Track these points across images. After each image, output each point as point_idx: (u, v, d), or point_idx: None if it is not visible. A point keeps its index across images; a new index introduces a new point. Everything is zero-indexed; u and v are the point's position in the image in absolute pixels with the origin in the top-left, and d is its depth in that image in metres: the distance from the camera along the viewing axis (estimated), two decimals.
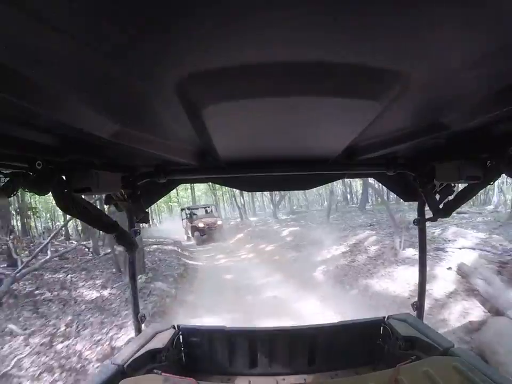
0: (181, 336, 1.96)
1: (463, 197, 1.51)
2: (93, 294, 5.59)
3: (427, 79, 0.68)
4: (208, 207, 19.10)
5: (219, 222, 15.92)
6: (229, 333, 1.97)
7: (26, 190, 0.94)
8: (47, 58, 0.51)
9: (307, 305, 5.10)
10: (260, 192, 29.35)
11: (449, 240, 6.51)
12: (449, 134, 1.01)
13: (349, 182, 23.28)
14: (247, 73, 0.62)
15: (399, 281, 5.24)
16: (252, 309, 5.01)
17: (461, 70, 0.63)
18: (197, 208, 18.58)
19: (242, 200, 25.19)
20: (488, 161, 1.23)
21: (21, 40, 0.46)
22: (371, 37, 0.51)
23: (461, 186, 1.54)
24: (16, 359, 3.57)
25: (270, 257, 9.20)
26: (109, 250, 8.06)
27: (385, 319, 1.96)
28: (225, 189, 23.15)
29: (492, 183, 1.31)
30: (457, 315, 4.02)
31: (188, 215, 16.92)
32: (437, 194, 1.60)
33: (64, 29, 0.44)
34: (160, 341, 1.77)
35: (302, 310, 4.86)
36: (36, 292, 5.77)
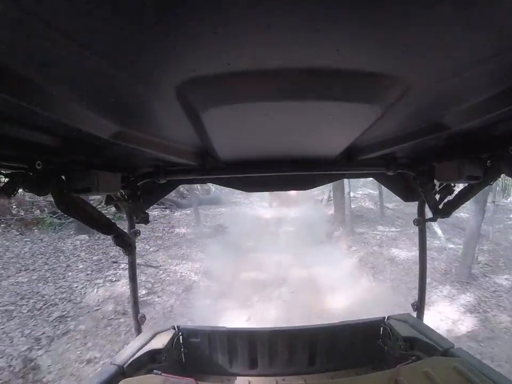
0: (180, 337, 1.95)
1: (463, 196, 1.51)
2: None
3: (427, 81, 0.67)
4: None
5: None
6: (229, 333, 1.97)
7: (26, 190, 0.94)
8: (47, 59, 0.51)
9: (296, 211, 14.51)
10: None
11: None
12: (449, 134, 1.01)
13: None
14: (247, 78, 0.61)
15: (327, 211, 13.71)
16: (278, 210, 14.85)
17: (461, 71, 0.63)
18: None
19: None
20: (488, 161, 1.22)
21: (21, 41, 0.45)
22: (370, 42, 0.51)
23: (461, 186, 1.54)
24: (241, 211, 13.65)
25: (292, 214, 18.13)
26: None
27: (385, 320, 1.96)
28: None
29: (491, 183, 1.31)
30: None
31: None
32: (437, 194, 1.60)
33: (65, 30, 0.44)
34: (160, 342, 1.77)
35: (295, 212, 14.31)
36: None
